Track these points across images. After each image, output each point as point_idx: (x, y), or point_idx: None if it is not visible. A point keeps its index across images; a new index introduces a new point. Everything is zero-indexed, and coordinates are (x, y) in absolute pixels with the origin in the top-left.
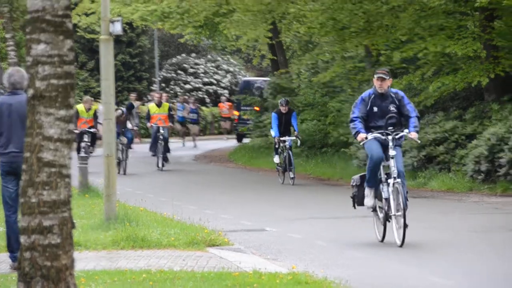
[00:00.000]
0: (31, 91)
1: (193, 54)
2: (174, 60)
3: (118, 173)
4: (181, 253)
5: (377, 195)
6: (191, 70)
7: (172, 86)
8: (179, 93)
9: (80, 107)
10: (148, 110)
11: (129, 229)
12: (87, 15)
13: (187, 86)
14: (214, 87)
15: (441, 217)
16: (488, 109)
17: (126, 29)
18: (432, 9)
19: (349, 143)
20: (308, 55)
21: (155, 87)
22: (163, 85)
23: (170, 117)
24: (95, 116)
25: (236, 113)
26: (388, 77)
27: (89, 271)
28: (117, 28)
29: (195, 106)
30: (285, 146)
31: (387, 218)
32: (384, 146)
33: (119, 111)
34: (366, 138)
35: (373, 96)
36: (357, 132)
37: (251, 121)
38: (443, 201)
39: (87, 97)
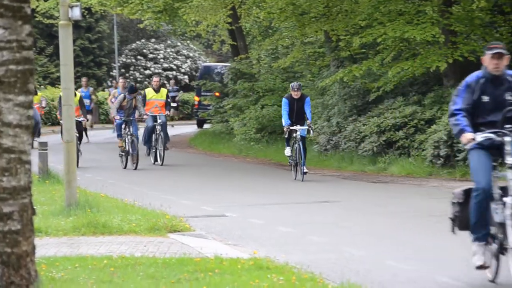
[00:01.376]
0: None
1: (153, 40)
2: (133, 45)
3: (125, 168)
4: (143, 239)
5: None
6: (151, 56)
7: (131, 72)
8: (139, 79)
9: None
10: (144, 95)
11: (90, 215)
12: (45, 0)
13: (147, 72)
14: (174, 72)
15: (401, 201)
16: (447, 94)
17: (85, 14)
18: None
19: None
20: (268, 40)
21: (114, 72)
22: (123, 70)
23: (167, 104)
24: (81, 104)
25: (196, 98)
26: (506, 53)
27: (50, 258)
28: (76, 13)
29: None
30: (296, 136)
31: (501, 250)
32: (496, 150)
33: (121, 95)
34: (474, 139)
35: (483, 80)
36: (461, 131)
37: (211, 106)
38: (403, 186)
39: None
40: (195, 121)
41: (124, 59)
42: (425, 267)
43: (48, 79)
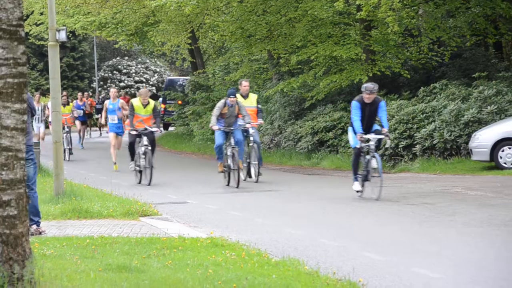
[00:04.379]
0: None
1: (126, 57)
2: (110, 62)
3: (228, 185)
4: (118, 222)
5: None
6: (125, 71)
7: (109, 84)
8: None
9: (136, 101)
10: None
11: (74, 202)
12: (37, 25)
13: (122, 84)
14: (144, 84)
15: (331, 190)
16: None
17: (70, 37)
18: (321, 20)
19: None
20: (221, 58)
21: (94, 84)
22: (101, 83)
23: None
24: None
25: (162, 106)
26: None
27: (42, 238)
28: (62, 36)
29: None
30: (370, 147)
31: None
32: None
33: (221, 102)
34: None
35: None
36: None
37: (175, 112)
38: (332, 177)
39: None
40: (161, 125)
41: (102, 74)
42: (351, 243)
43: (39, 90)
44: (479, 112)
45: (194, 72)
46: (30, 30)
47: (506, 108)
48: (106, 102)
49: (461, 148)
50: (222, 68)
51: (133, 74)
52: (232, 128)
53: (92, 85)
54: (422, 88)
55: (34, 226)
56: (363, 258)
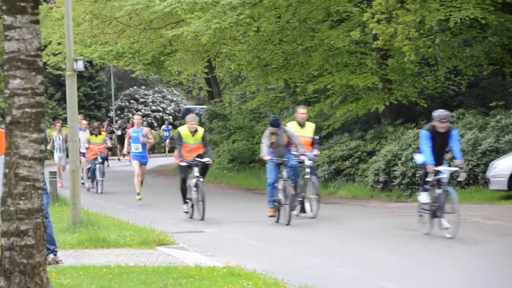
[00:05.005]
0: (8, 118)
1: (143, 87)
2: (127, 91)
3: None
4: (135, 251)
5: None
6: (142, 100)
7: (126, 113)
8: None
9: (183, 130)
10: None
11: (91, 231)
12: (54, 55)
13: (139, 113)
14: (160, 113)
15: (348, 219)
16: (385, 130)
17: (87, 66)
18: (338, 49)
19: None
20: (238, 87)
21: (111, 114)
22: (119, 112)
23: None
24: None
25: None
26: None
27: (59, 267)
28: (80, 65)
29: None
30: (442, 180)
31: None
32: None
33: (267, 130)
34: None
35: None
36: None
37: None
38: (349, 206)
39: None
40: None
41: (119, 103)
42: (368, 273)
43: (57, 120)
44: (497, 141)
45: (211, 101)
46: (48, 60)
47: None
48: (130, 130)
49: (479, 177)
50: (238, 97)
51: (150, 103)
52: (284, 160)
53: (109, 114)
54: None
55: (51, 255)
56: (378, 285)
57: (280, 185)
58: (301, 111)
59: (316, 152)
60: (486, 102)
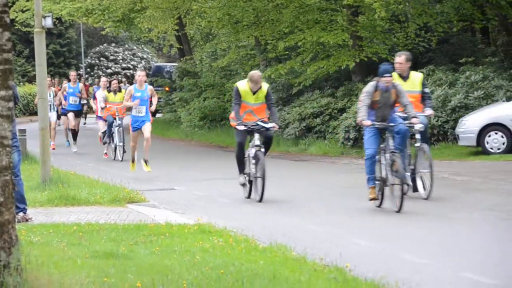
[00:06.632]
0: None
1: (113, 44)
2: (97, 49)
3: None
4: (106, 209)
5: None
6: (112, 57)
7: (95, 71)
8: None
9: (242, 85)
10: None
11: (62, 189)
12: (23, 11)
13: (108, 71)
14: (130, 71)
15: (318, 176)
16: (355, 88)
17: (56, 23)
18: (308, 6)
19: None
20: (209, 44)
21: (81, 71)
22: (88, 70)
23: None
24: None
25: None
26: None
27: (29, 225)
28: (48, 22)
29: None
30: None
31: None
32: None
33: (371, 85)
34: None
35: None
36: None
37: (162, 99)
38: (320, 163)
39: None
40: None
41: (89, 60)
42: (339, 229)
43: (26, 77)
44: (466, 98)
45: (182, 59)
46: (16, 17)
47: (493, 94)
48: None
49: (448, 133)
50: (209, 54)
51: (120, 61)
52: (389, 124)
53: (79, 71)
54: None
55: (21, 214)
56: (350, 244)
57: (384, 159)
58: (400, 59)
59: (428, 112)
60: (456, 59)
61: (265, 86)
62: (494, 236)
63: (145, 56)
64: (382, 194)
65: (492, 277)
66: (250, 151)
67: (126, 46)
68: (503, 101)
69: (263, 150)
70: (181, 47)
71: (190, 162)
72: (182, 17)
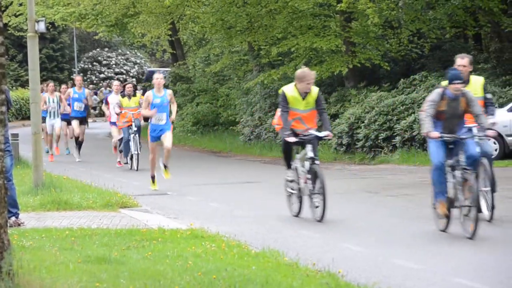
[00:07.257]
0: None
1: (106, 49)
2: (90, 53)
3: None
4: (98, 213)
5: None
6: (105, 62)
7: (89, 76)
8: (95, 81)
9: (290, 90)
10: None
11: (54, 194)
12: (16, 16)
13: (102, 76)
14: (124, 76)
15: None
16: (348, 93)
17: (49, 28)
18: (302, 12)
19: (236, 122)
20: (202, 49)
21: (74, 76)
22: (81, 74)
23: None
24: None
25: (142, 97)
26: None
27: (21, 229)
28: (41, 27)
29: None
30: None
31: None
32: None
33: (438, 92)
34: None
35: None
36: None
37: None
38: None
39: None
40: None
41: (82, 65)
42: (332, 235)
43: (18, 82)
44: None
45: (175, 64)
46: (9, 21)
47: None
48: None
49: None
50: (202, 59)
51: (113, 66)
52: (458, 137)
53: (71, 76)
54: (402, 80)
55: (13, 218)
56: (343, 250)
57: (453, 175)
58: (461, 61)
59: (492, 119)
60: (449, 65)
61: (315, 89)
62: (489, 241)
63: (138, 61)
64: (449, 212)
65: (486, 284)
66: (300, 164)
67: (119, 51)
68: (496, 107)
69: (317, 162)
70: (174, 52)
71: (183, 167)
72: (176, 22)
